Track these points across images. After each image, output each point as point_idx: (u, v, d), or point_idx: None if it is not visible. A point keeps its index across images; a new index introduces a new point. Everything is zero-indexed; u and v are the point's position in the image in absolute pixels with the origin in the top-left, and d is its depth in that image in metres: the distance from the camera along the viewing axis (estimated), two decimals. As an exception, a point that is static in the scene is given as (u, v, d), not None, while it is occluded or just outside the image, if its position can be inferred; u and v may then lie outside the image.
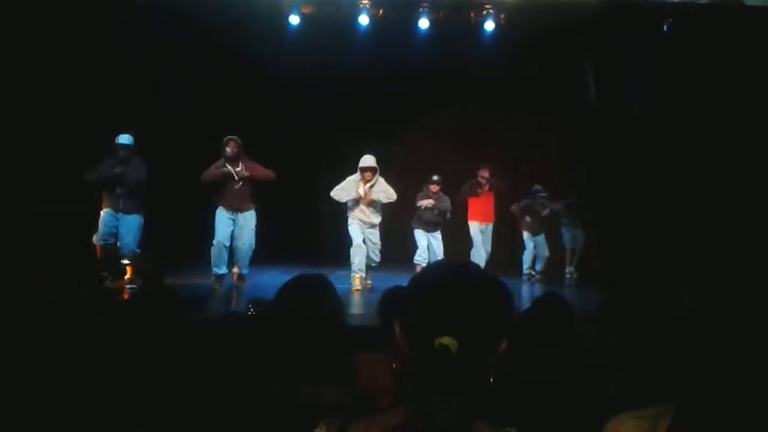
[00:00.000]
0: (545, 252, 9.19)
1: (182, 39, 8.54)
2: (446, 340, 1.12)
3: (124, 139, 7.10)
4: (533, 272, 9.21)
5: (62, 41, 7.59)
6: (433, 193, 8.40)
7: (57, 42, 7.57)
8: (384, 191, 7.61)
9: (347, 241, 7.69)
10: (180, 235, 8.16)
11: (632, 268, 7.90)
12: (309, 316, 1.91)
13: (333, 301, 1.99)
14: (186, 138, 8.71)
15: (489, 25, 8.37)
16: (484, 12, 8.26)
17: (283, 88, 9.40)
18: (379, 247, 7.79)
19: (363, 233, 7.63)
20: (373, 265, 7.83)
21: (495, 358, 1.20)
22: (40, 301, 1.74)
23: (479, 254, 8.82)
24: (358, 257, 7.52)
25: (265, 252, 7.96)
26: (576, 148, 9.81)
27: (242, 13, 8.05)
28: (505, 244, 9.85)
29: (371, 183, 7.55)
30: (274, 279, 7.39)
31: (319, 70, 9.25)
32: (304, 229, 9.94)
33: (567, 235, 9.48)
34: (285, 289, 2.02)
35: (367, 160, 7.59)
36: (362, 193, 7.53)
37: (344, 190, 7.64)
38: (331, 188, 7.67)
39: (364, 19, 8.28)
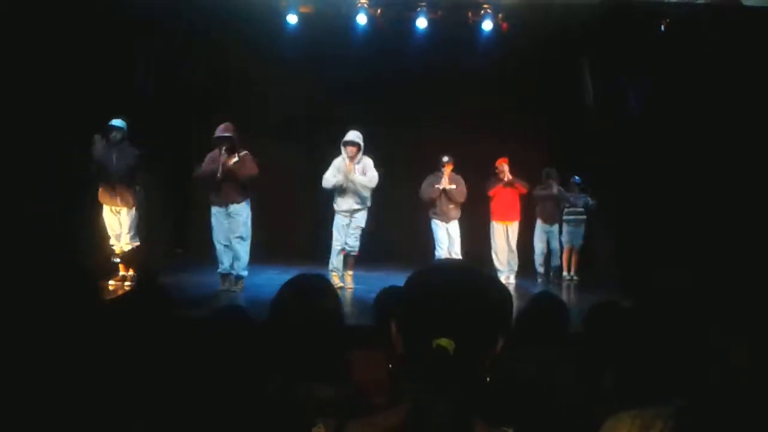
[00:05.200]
0: (557, 244, 9.06)
1: (179, 38, 8.52)
2: (443, 341, 1.12)
3: (117, 122, 7.05)
4: (559, 276, 9.07)
5: (57, 37, 7.52)
6: (448, 174, 8.07)
7: (51, 37, 7.49)
8: (366, 171, 7.37)
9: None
10: (192, 230, 8.14)
11: (634, 267, 7.86)
12: (308, 316, 1.91)
13: (332, 301, 1.99)
14: (182, 136, 8.72)
15: (487, 25, 8.39)
16: (482, 12, 8.28)
17: (281, 87, 9.39)
18: (360, 231, 7.55)
19: (344, 231, 7.50)
20: (353, 253, 7.59)
21: (491, 358, 1.20)
22: (33, 302, 1.75)
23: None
24: (334, 258, 7.56)
25: (264, 252, 7.95)
26: (573, 147, 9.77)
27: (240, 12, 8.03)
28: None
29: (356, 161, 7.34)
30: (273, 279, 7.40)
31: (317, 69, 9.24)
32: (303, 228, 9.95)
33: (568, 232, 9.19)
34: (284, 289, 2.02)
35: (350, 135, 7.38)
36: (346, 172, 7.31)
37: (330, 173, 7.41)
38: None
39: (362, 19, 8.28)
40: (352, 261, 7.68)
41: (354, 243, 7.55)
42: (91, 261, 7.00)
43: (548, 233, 9.05)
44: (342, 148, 7.39)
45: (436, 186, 8.03)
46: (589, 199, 9.06)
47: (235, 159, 6.86)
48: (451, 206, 8.10)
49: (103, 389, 1.75)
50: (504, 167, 8.49)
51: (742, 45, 7.67)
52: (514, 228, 8.57)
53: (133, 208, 7.18)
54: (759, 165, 7.82)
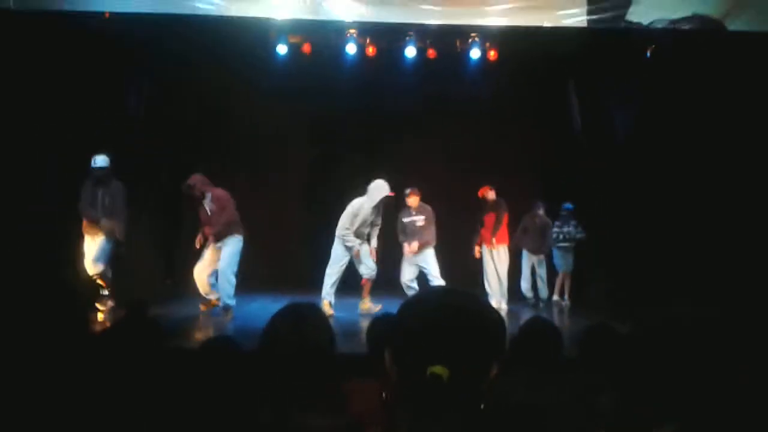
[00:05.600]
0: (545, 274, 9.03)
1: (168, 68, 8.54)
2: (438, 369, 1.12)
3: (100, 161, 7.00)
4: (550, 302, 9.02)
5: (46, 69, 7.53)
6: (413, 206, 7.90)
7: (39, 68, 7.49)
8: (380, 213, 7.65)
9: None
10: (182, 261, 8.12)
11: (627, 291, 7.86)
12: (299, 345, 1.89)
13: (324, 330, 1.98)
14: (170, 169, 8.72)
15: (475, 53, 8.46)
16: (470, 40, 8.36)
17: (270, 117, 9.41)
18: (374, 252, 7.72)
19: (344, 258, 7.56)
20: (372, 277, 7.65)
21: (486, 385, 1.19)
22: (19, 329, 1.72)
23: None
24: (329, 279, 7.52)
25: (255, 281, 7.92)
26: (562, 171, 9.81)
27: (229, 42, 8.07)
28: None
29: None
30: (264, 308, 7.36)
31: (307, 99, 9.27)
32: (295, 257, 9.91)
33: (558, 257, 9.15)
34: (275, 318, 2.01)
35: (385, 187, 7.53)
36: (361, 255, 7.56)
37: (347, 220, 7.52)
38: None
39: (351, 48, 8.34)
40: (369, 285, 7.71)
41: (372, 265, 7.64)
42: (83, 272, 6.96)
43: (534, 263, 9.01)
44: (373, 198, 7.48)
45: (402, 241, 7.92)
46: (580, 229, 9.05)
47: (208, 206, 7.17)
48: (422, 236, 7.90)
49: (94, 422, 1.72)
50: (488, 194, 8.38)
51: (727, 68, 7.77)
52: (501, 252, 8.33)
53: (112, 238, 7.05)
54: (744, 187, 7.88)
